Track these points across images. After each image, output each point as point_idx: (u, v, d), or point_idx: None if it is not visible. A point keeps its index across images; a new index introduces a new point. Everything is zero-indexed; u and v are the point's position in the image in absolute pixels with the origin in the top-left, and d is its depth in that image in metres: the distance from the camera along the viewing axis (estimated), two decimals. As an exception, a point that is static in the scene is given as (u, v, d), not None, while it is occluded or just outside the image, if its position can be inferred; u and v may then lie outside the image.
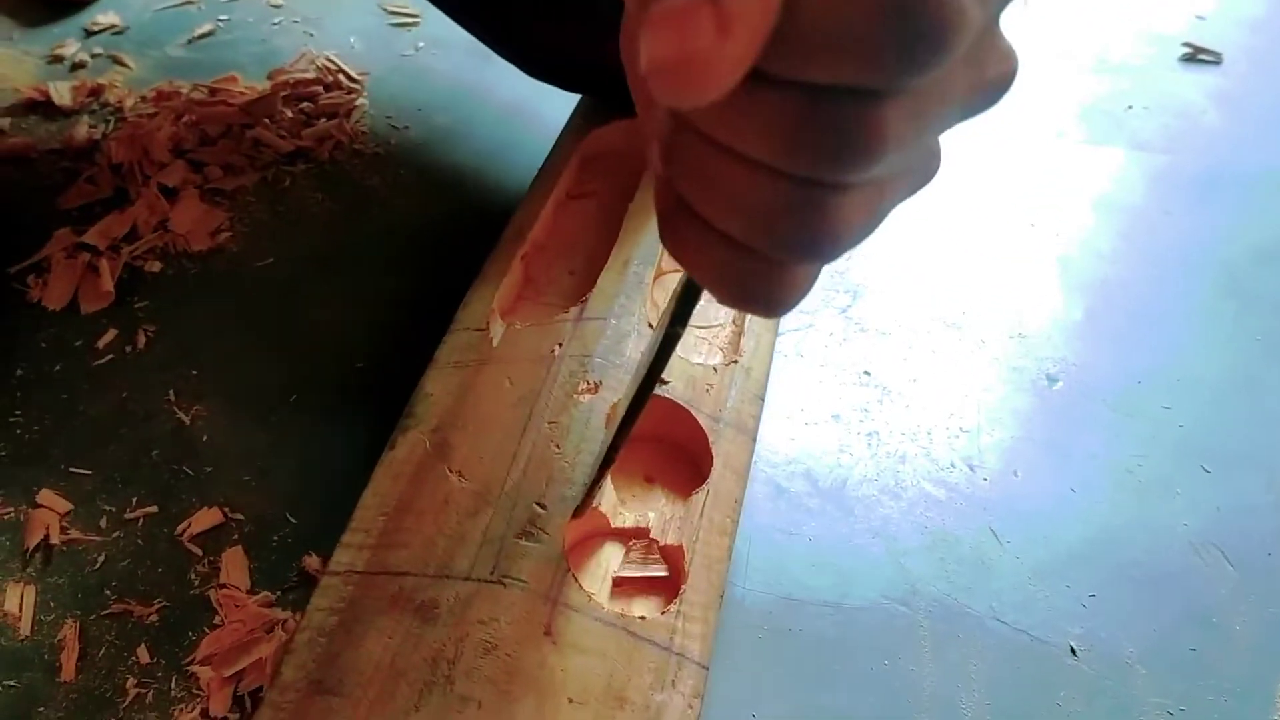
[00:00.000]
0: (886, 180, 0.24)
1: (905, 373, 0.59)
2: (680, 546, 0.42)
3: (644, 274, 0.51)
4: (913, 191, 0.26)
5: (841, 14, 0.19)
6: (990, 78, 0.23)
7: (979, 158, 0.74)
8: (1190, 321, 0.64)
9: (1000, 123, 0.77)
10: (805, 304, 0.62)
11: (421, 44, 0.84)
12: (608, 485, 0.43)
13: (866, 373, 0.59)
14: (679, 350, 0.49)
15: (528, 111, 0.76)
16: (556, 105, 0.71)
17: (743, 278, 0.25)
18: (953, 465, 0.55)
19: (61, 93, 0.74)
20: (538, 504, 0.42)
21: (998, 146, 0.75)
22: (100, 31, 0.82)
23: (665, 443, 0.47)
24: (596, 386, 0.46)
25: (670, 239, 0.26)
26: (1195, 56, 0.85)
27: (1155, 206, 0.71)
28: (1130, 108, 0.80)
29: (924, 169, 0.25)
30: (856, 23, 0.19)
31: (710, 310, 0.53)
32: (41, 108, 0.74)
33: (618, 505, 0.44)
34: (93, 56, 0.80)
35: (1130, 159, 0.75)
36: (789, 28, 0.19)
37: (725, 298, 0.26)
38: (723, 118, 0.22)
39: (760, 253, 0.24)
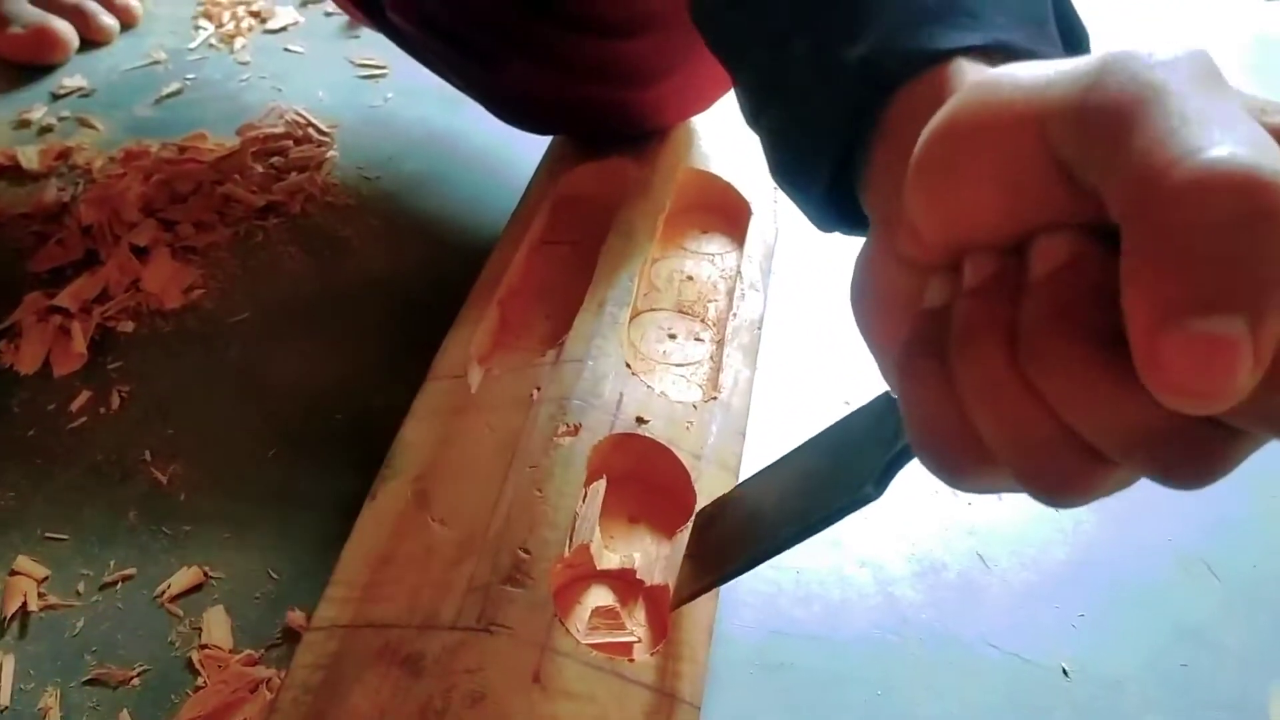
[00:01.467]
0: None
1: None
2: (667, 586, 0.42)
3: (619, 315, 0.51)
4: None
5: None
6: None
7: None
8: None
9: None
10: (783, 339, 0.62)
11: (390, 95, 0.84)
12: (595, 526, 0.43)
13: (847, 402, 0.59)
14: (658, 388, 0.50)
15: (499, 157, 0.77)
16: (527, 149, 0.72)
17: (967, 470, 0.24)
18: (937, 491, 0.55)
19: (29, 157, 0.74)
20: (522, 550, 0.42)
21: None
22: (67, 94, 0.82)
23: (647, 482, 0.47)
24: (576, 429, 0.46)
25: (907, 396, 0.25)
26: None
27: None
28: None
29: None
30: None
31: (686, 348, 0.54)
32: (9, 173, 0.74)
33: (602, 546, 0.44)
34: (60, 119, 0.80)
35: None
36: (1265, 394, 0.18)
37: (935, 468, 0.25)
38: (1072, 388, 0.21)
39: (1004, 464, 0.23)
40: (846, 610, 0.49)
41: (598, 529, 0.43)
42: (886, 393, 0.31)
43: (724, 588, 0.43)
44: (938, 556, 0.52)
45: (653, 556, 0.44)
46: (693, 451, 0.47)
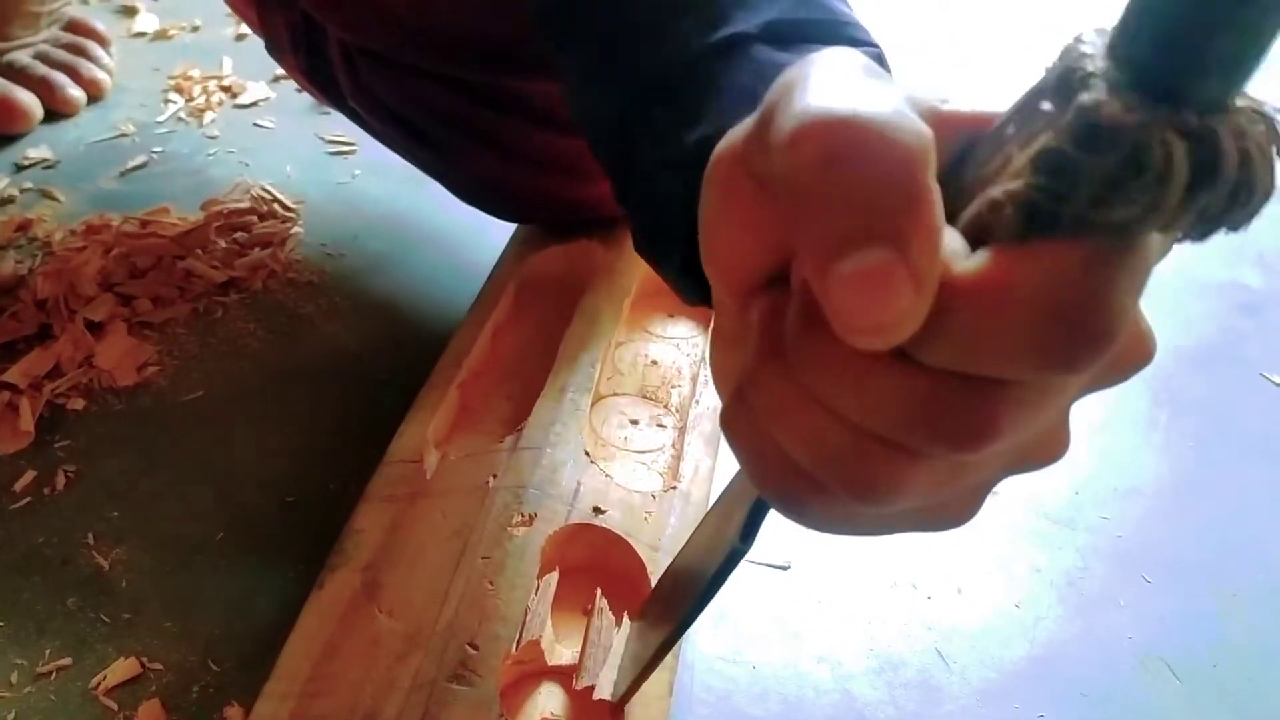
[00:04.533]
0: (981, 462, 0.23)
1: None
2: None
3: (580, 401, 0.51)
4: (1022, 471, 0.25)
5: (1009, 315, 0.19)
6: (1128, 362, 0.23)
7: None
8: (1124, 430, 0.64)
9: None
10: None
11: (358, 171, 0.84)
12: (546, 620, 0.42)
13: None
14: (616, 477, 0.49)
15: (464, 237, 0.77)
16: (493, 229, 0.72)
17: (801, 498, 0.25)
18: (895, 584, 0.54)
19: (-13, 228, 0.73)
20: (470, 645, 0.40)
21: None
22: (31, 166, 0.82)
23: (603, 573, 0.46)
24: (531, 519, 0.45)
25: (738, 449, 0.26)
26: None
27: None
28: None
29: (1042, 451, 0.25)
30: (1024, 325, 0.19)
31: (648, 434, 0.53)
32: (-34, 244, 0.73)
33: (554, 641, 0.42)
34: (22, 191, 0.79)
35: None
36: (949, 319, 0.19)
37: (780, 507, 0.26)
38: (837, 382, 0.22)
39: (825, 484, 0.24)
40: (803, 708, 0.48)
41: (549, 623, 0.42)
42: None
43: (677, 683, 0.42)
44: (897, 653, 0.51)
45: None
46: (650, 543, 0.46)
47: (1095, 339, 0.19)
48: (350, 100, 0.63)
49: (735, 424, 0.25)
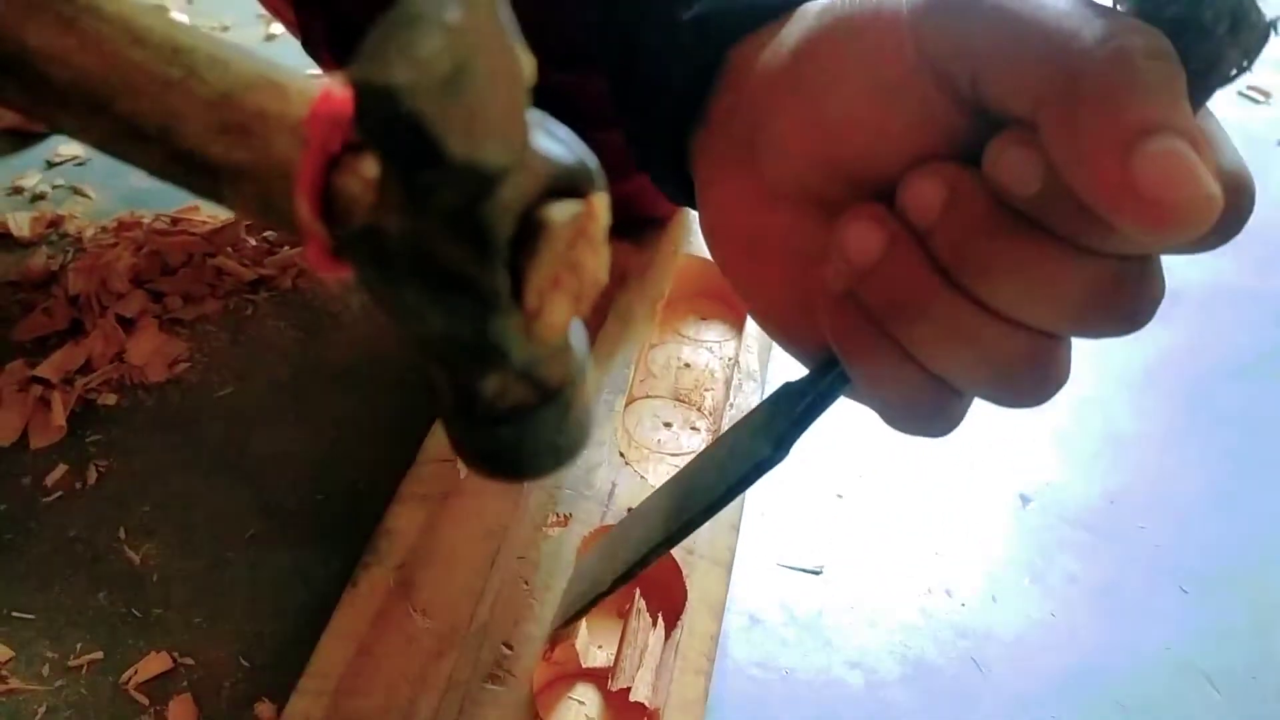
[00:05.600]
0: None
1: (877, 495, 0.58)
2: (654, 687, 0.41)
3: (614, 402, 0.51)
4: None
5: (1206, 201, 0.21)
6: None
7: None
8: (1160, 440, 0.64)
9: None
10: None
11: (386, 172, 0.84)
12: (581, 622, 0.42)
13: (839, 495, 0.58)
14: (651, 477, 0.49)
15: (493, 238, 0.77)
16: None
17: (935, 411, 0.27)
18: (929, 590, 0.54)
19: (20, 224, 0.73)
20: (505, 645, 0.40)
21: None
22: (62, 163, 0.82)
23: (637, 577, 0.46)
24: (566, 519, 0.44)
25: (866, 374, 0.28)
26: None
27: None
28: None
29: None
30: (1222, 209, 0.21)
31: (681, 437, 0.53)
32: (-1, 240, 0.73)
33: (589, 644, 0.42)
34: (54, 188, 0.79)
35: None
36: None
37: (907, 426, 0.28)
38: (1029, 285, 0.24)
39: (960, 392, 0.27)
40: (837, 714, 0.48)
41: (584, 624, 0.41)
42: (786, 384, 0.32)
43: (711, 689, 0.42)
44: (931, 660, 0.50)
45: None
46: (685, 546, 0.46)
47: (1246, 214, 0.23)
48: None
49: (879, 358, 0.26)
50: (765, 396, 0.34)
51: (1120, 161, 0.20)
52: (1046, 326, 0.24)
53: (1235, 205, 0.22)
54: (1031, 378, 0.25)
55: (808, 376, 0.32)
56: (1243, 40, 0.22)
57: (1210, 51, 0.22)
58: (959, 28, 0.23)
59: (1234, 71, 0.23)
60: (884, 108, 0.25)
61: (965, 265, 0.24)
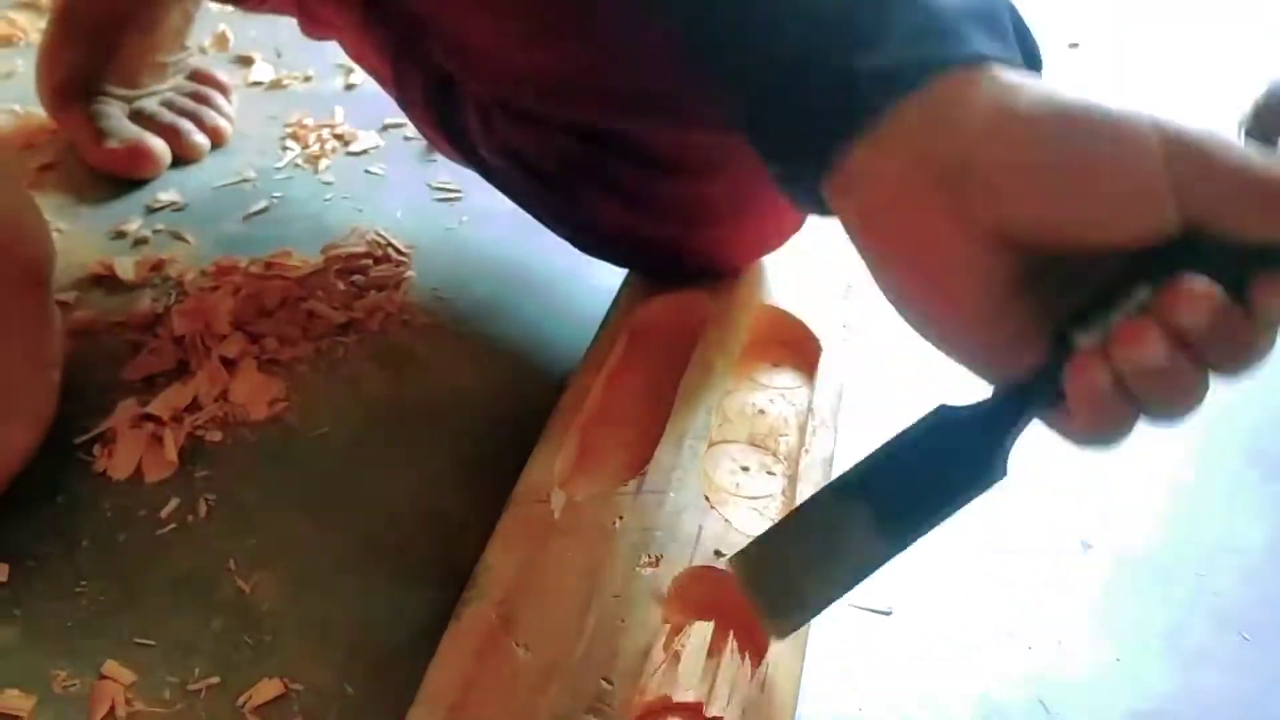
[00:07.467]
0: None
1: (944, 539, 0.60)
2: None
3: (698, 448, 0.54)
4: None
5: None
6: None
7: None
8: (1216, 490, 0.65)
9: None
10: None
11: (465, 217, 0.88)
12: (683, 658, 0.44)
13: (907, 540, 0.60)
14: (733, 520, 0.51)
15: (567, 283, 0.80)
16: (595, 278, 0.75)
17: (1128, 434, 0.36)
18: (995, 632, 0.56)
19: (125, 267, 0.78)
20: (604, 679, 0.43)
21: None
22: (161, 208, 0.87)
23: (721, 614, 0.48)
24: (658, 560, 0.47)
25: (1090, 416, 0.36)
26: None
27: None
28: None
29: None
30: None
31: (759, 480, 0.55)
32: (106, 282, 0.77)
33: (678, 680, 0.44)
34: (154, 232, 0.84)
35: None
36: None
37: (1092, 445, 0.38)
38: (1212, 330, 0.33)
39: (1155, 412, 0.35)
40: (912, 751, 0.50)
41: (680, 661, 0.44)
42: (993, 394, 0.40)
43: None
44: (999, 701, 0.52)
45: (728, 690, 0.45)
46: (767, 587, 0.48)
47: None
48: (481, 149, 0.66)
49: (1088, 377, 0.34)
50: (868, 438, 0.41)
51: None
52: (1209, 359, 0.34)
53: None
54: (1195, 398, 0.35)
55: (1001, 400, 0.39)
56: None
57: None
58: (1209, 168, 0.32)
59: None
60: (1125, 216, 0.33)
61: (1224, 363, 0.34)
